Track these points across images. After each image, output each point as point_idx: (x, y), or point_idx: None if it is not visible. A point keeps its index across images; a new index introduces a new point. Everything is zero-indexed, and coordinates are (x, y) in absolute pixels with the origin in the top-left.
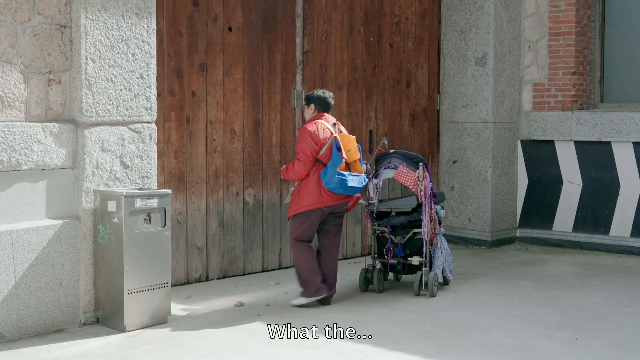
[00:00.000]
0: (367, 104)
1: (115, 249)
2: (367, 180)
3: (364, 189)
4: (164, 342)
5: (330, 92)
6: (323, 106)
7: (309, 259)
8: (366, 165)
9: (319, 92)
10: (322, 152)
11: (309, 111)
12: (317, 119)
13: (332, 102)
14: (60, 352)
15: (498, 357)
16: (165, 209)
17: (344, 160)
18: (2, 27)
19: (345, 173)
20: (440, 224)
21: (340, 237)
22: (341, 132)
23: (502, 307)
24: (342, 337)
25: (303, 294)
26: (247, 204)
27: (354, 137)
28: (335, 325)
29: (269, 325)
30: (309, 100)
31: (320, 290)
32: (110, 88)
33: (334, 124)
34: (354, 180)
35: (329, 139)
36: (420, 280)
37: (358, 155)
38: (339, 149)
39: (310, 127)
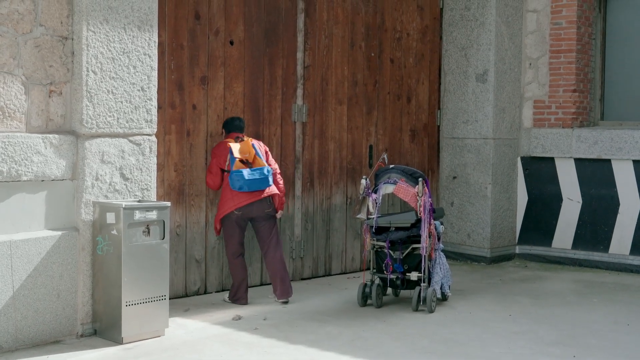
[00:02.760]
0: (368, 119)
1: (114, 260)
2: (369, 194)
3: (362, 203)
4: (161, 354)
5: (239, 117)
6: (230, 128)
7: (237, 275)
8: (365, 180)
9: (228, 118)
10: (226, 163)
11: (223, 137)
12: (227, 139)
13: (239, 123)
14: None
15: None
16: (164, 222)
17: (237, 158)
18: (4, 38)
19: (241, 170)
20: (439, 239)
21: (275, 242)
22: (242, 140)
23: (501, 323)
24: (340, 351)
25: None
26: None
27: (255, 142)
28: (333, 339)
29: (266, 339)
30: (223, 127)
31: (238, 298)
32: (111, 100)
33: (237, 137)
34: (254, 173)
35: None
36: (419, 295)
37: (253, 152)
38: (231, 153)
39: (215, 147)
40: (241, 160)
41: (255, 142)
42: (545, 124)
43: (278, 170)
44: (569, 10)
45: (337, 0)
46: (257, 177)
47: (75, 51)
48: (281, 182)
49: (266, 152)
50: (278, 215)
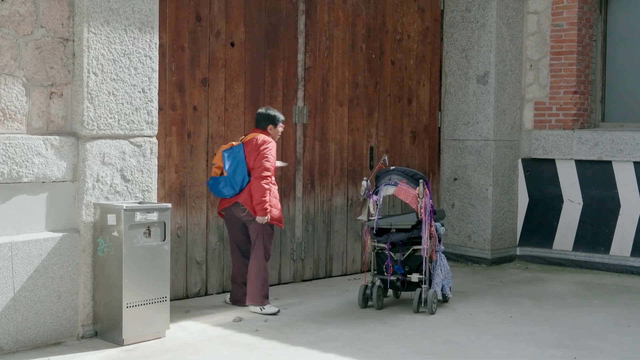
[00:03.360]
0: (369, 121)
1: (115, 262)
2: (369, 195)
3: (363, 205)
4: (161, 356)
5: (264, 108)
6: (255, 123)
7: (237, 276)
8: (366, 181)
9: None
10: None
11: None
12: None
13: (259, 117)
14: None
15: None
16: (165, 223)
17: (214, 165)
18: (5, 40)
19: (212, 177)
20: (440, 241)
21: (255, 246)
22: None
23: (501, 325)
24: (340, 353)
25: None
26: None
27: (250, 140)
28: (334, 341)
29: (267, 341)
30: None
31: (239, 300)
32: (111, 102)
33: (244, 136)
34: (217, 184)
35: None
36: (420, 297)
37: (220, 161)
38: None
39: None
40: (219, 166)
41: (249, 140)
42: (546, 126)
43: (258, 174)
44: (570, 12)
45: (338, 2)
46: (217, 187)
47: (76, 53)
48: (262, 186)
49: (258, 153)
50: (258, 220)
